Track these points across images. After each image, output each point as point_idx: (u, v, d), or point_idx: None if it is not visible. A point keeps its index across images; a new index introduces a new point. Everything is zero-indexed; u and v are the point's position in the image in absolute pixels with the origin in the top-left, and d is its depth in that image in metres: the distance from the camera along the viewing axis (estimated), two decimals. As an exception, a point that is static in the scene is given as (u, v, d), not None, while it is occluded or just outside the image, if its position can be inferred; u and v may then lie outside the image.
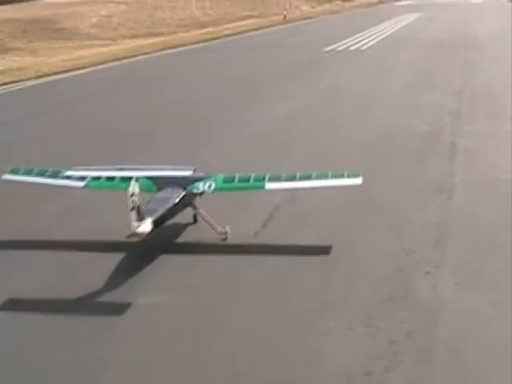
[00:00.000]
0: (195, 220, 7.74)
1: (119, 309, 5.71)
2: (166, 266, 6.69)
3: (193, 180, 7.40)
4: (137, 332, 5.37)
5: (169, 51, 29.62)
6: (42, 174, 7.99)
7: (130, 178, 6.70)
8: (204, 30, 43.40)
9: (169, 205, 6.93)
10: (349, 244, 6.88)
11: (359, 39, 29.95)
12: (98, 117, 14.66)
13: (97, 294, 5.96)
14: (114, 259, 6.65)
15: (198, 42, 33.70)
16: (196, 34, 40.48)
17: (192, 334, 5.26)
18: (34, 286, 6.20)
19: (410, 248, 6.68)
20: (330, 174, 7.30)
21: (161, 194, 7.14)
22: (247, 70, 21.60)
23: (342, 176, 7.26)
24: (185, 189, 7.27)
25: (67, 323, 5.51)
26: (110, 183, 7.64)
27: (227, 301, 5.83)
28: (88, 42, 37.10)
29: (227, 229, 7.31)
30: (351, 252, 6.67)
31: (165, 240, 7.26)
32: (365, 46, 26.89)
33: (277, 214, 7.89)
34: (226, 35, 37.48)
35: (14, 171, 8.17)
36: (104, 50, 31.17)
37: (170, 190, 7.21)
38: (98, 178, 7.65)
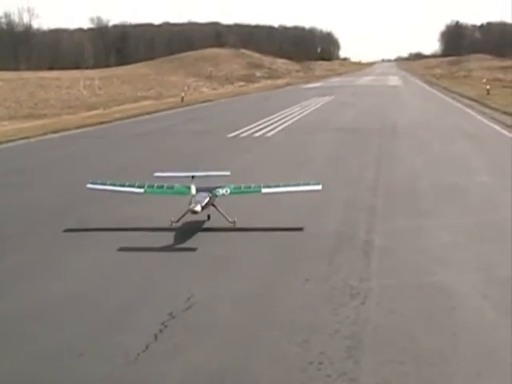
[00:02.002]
0: (208, 218, 12.38)
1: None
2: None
3: (215, 188, 12.27)
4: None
5: (50, 136, 29.44)
6: (113, 184, 13.00)
7: (173, 187, 12.50)
8: (92, 113, 43.63)
9: (205, 200, 11.71)
10: (246, 368, 6.75)
11: (265, 125, 30.63)
12: None
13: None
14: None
15: (84, 125, 33.69)
16: (83, 116, 40.64)
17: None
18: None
19: (320, 360, 6.72)
20: (301, 183, 12.87)
21: (198, 195, 11.63)
22: (137, 160, 21.55)
23: (308, 184, 12.63)
24: (211, 193, 12.06)
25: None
26: (160, 190, 12.66)
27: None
28: (-43, 124, 36.51)
29: (235, 219, 11.98)
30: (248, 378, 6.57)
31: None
32: (270, 133, 27.45)
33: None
34: (117, 119, 37.63)
35: (93, 182, 13.21)
36: (-25, 133, 30.71)
37: (202, 193, 11.85)
38: (152, 186, 12.65)
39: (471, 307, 8.16)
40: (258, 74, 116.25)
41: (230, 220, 12.00)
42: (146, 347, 7.13)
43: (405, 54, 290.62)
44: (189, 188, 11.83)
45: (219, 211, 12.13)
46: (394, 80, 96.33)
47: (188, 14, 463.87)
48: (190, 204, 11.33)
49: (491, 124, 29.66)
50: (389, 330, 7.47)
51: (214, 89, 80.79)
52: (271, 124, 31.16)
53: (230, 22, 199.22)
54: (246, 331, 7.59)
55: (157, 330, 7.52)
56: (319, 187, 12.37)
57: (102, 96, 63.76)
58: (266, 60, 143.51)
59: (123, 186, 12.88)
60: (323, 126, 30.53)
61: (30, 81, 72.23)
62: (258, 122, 31.54)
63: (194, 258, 10.55)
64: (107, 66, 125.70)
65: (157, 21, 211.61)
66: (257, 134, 27.12)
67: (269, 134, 27.00)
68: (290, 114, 36.88)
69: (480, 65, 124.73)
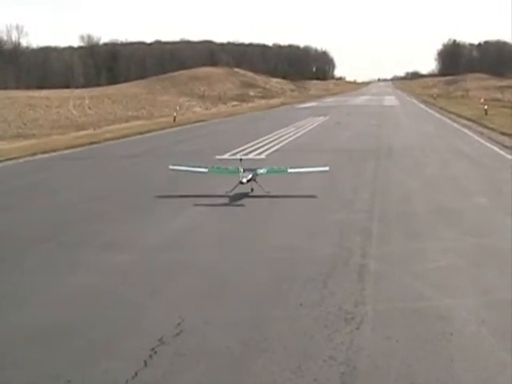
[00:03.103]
0: (252, 190, 17.68)
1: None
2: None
3: (256, 168, 17.96)
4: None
5: (39, 156, 29.45)
6: (188, 165, 19.20)
7: (227, 168, 18.60)
8: (82, 133, 43.64)
9: (249, 176, 17.22)
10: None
11: (258, 146, 30.71)
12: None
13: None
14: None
15: (74, 146, 33.67)
16: (72, 136, 40.63)
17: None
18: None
19: (314, 387, 6.68)
20: (313, 165, 19.16)
21: (245, 173, 17.14)
22: (116, 187, 21.30)
23: (318, 166, 18.87)
24: (252, 171, 17.56)
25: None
26: (219, 170, 18.94)
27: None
28: None
29: (269, 190, 17.47)
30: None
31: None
32: (264, 154, 27.38)
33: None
34: (107, 139, 37.59)
35: (174, 165, 19.38)
36: (-39, 153, 30.65)
37: (247, 171, 17.33)
38: (213, 167, 19.00)
39: (469, 332, 8.14)
40: (251, 93, 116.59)
41: (265, 190, 17.51)
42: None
43: (401, 74, 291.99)
44: (237, 169, 17.44)
45: (258, 184, 17.64)
46: (390, 100, 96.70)
47: (180, 32, 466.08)
48: (240, 178, 17.03)
49: (489, 145, 29.78)
50: (384, 357, 7.46)
51: (207, 108, 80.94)
52: (265, 145, 31.21)
53: (224, 41, 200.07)
54: (231, 367, 7.58)
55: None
56: (327, 168, 18.58)
57: (93, 116, 63.81)
58: (260, 79, 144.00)
59: (194, 167, 19.21)
60: (318, 147, 30.58)
61: (19, 100, 72.26)
62: (252, 143, 31.59)
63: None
64: (98, 84, 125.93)
65: (148, 39, 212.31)
66: (251, 155, 27.08)
67: (262, 156, 27.00)
68: (285, 135, 36.94)
69: (477, 84, 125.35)
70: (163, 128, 46.51)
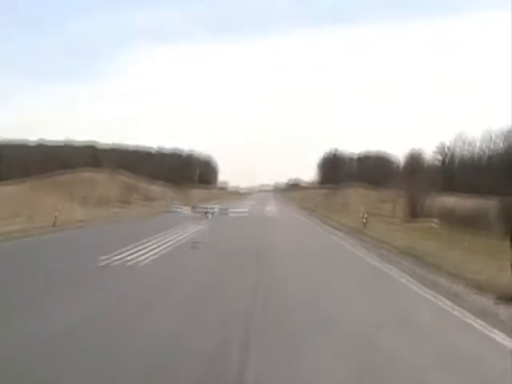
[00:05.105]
0: (208, 217, 58.15)
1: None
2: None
3: (213, 208, 64.69)
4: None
5: None
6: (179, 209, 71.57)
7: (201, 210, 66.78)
8: (-47, 234, 42.35)
9: (211, 214, 59.14)
10: None
11: (138, 249, 30.48)
12: None
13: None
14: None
15: None
16: None
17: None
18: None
19: None
20: (240, 211, 70.28)
21: (208, 213, 59.91)
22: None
23: (244, 209, 73.34)
24: (212, 212, 60.57)
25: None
26: (195, 210, 64.63)
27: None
28: None
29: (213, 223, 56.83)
30: None
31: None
32: (142, 263, 26.74)
33: None
34: (-22, 242, 36.64)
35: (168, 211, 72.38)
36: None
37: (210, 212, 62.11)
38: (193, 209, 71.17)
39: None
40: (133, 197, 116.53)
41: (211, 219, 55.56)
42: None
43: (284, 179, 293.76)
44: (207, 211, 61.66)
45: (212, 217, 51.77)
46: (270, 211, 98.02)
47: (64, 132, 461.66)
48: (208, 215, 56.85)
49: (367, 258, 30.28)
50: None
51: (88, 211, 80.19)
52: (146, 248, 30.89)
53: (108, 141, 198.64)
54: None
55: None
56: (247, 210, 71.03)
57: (-33, 215, 62.17)
58: (143, 183, 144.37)
59: (183, 211, 69.54)
60: (192, 255, 30.37)
61: None
62: (130, 246, 31.08)
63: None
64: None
65: (32, 138, 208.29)
66: (130, 263, 26.34)
67: (142, 263, 26.41)
68: (167, 239, 36.82)
69: (357, 195, 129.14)
70: (42, 232, 45.41)
